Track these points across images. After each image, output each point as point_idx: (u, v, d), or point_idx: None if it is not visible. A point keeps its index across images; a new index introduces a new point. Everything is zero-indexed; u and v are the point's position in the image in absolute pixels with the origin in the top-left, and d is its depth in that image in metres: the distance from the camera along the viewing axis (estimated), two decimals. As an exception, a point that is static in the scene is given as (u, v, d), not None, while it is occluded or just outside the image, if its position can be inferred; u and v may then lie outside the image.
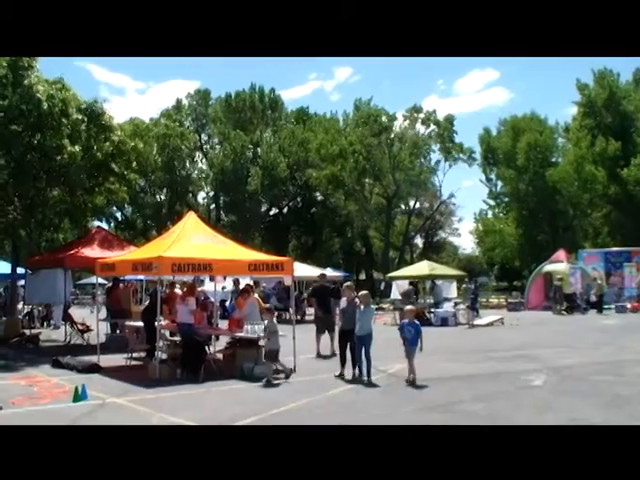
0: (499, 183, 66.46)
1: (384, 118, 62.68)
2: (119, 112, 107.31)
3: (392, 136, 63.19)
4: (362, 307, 14.09)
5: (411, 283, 32.84)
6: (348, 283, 16.48)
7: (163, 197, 65.43)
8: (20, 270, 26.04)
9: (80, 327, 22.42)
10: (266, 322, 14.57)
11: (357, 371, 14.09)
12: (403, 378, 14.24)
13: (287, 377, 14.18)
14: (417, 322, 14.07)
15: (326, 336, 18.39)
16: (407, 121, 64.47)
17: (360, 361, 14.00)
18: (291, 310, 24.64)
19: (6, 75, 19.76)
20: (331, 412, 10.82)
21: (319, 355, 17.88)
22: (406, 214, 71.31)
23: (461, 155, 64.08)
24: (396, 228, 73.88)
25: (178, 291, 17.65)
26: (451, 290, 38.86)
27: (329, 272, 38.39)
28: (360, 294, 14.57)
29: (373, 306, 15.85)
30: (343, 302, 14.99)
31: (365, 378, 13.77)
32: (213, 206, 69.75)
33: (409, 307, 15.12)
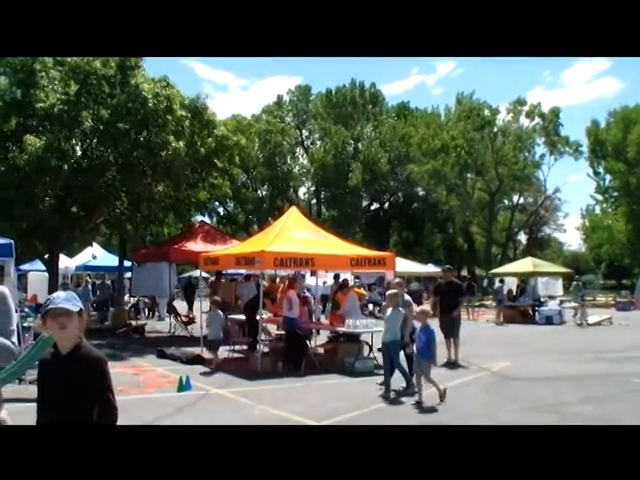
0: (607, 177, 64.12)
1: (487, 112, 61.49)
2: (222, 109, 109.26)
3: (495, 130, 61.92)
4: (389, 309, 12.19)
5: (501, 280, 32.18)
6: (397, 280, 14.14)
7: (264, 192, 66.11)
8: (127, 263, 26.83)
9: (184, 319, 22.90)
10: (210, 313, 15.74)
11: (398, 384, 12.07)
12: (507, 376, 13.90)
13: (213, 370, 14.36)
14: (431, 327, 11.48)
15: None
16: (511, 114, 62.97)
17: (391, 373, 11.97)
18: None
19: (115, 75, 20.33)
20: (431, 409, 10.64)
21: (449, 363, 15.40)
22: (509, 209, 69.75)
23: (567, 148, 62.10)
24: (499, 224, 72.40)
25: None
26: (556, 288, 37.84)
27: (431, 268, 38.00)
28: (387, 293, 12.81)
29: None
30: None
31: (392, 394, 11.73)
32: (314, 201, 70.02)
33: (421, 308, 12.27)
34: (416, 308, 12.14)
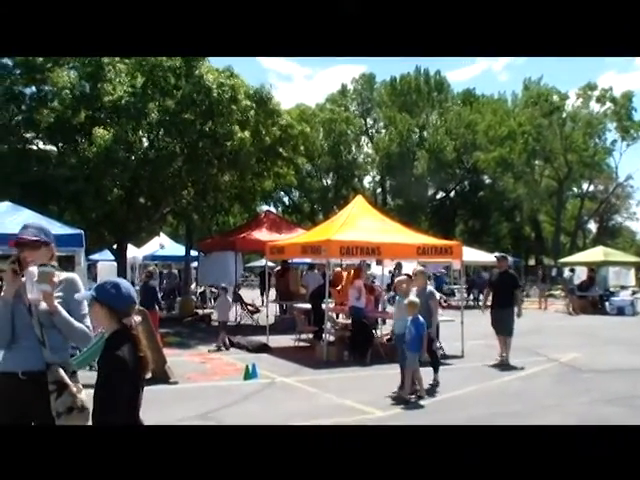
0: (683, 163, 62.06)
1: (555, 97, 60.10)
2: (286, 98, 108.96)
3: (564, 116, 60.51)
4: (401, 297, 11.36)
5: (572, 270, 31.46)
6: (420, 268, 13.08)
7: (329, 181, 66.13)
8: (193, 252, 27.14)
9: (250, 308, 23.04)
10: (219, 298, 17.54)
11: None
12: (577, 367, 13.59)
13: (227, 349, 16.02)
14: (421, 319, 10.61)
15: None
16: (580, 99, 61.45)
17: (403, 372, 10.97)
18: (458, 295, 24.25)
19: (180, 67, 20.51)
20: (498, 400, 10.49)
21: (502, 364, 13.98)
22: (579, 197, 68.17)
23: (640, 134, 60.38)
24: (568, 212, 70.88)
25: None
26: (629, 278, 36.83)
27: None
28: (397, 280, 12.19)
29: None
30: (413, 292, 11.84)
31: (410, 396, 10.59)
32: (379, 190, 69.69)
33: (409, 299, 10.92)
34: (408, 300, 10.88)
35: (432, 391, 11.06)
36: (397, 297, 11.78)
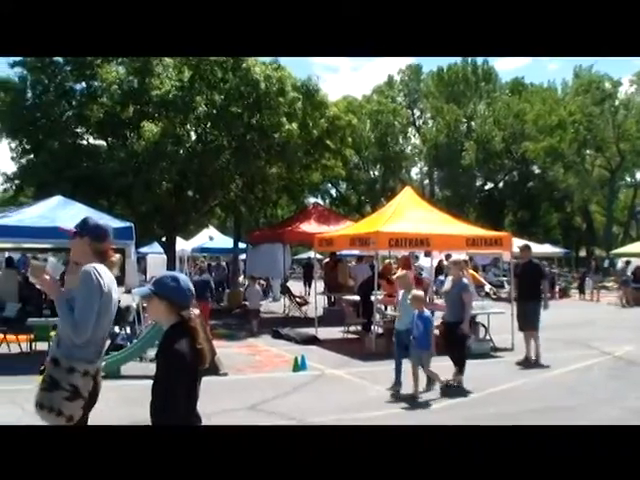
0: None
1: (607, 84, 58.90)
2: (333, 90, 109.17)
3: (617, 103, 59.33)
4: (401, 293, 11.04)
5: (627, 262, 30.75)
6: (455, 258, 12.48)
7: (377, 173, 65.92)
8: (241, 245, 27.29)
9: (298, 300, 23.07)
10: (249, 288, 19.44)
11: (399, 385, 10.54)
12: (632, 361, 13.33)
13: (254, 335, 17.21)
14: (428, 314, 10.19)
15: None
16: (634, 86, 60.12)
17: (398, 368, 10.63)
18: (507, 287, 23.99)
19: (226, 60, 20.57)
20: (549, 394, 10.36)
21: (527, 360, 13.22)
22: (632, 187, 66.86)
23: (697, 120, 58.80)
24: (620, 202, 69.58)
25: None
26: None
27: (547, 248, 36.87)
28: (396, 276, 11.96)
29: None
30: (448, 283, 11.58)
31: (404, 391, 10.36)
32: (427, 181, 69.28)
33: (414, 293, 10.43)
34: (414, 293, 10.47)
35: (478, 386, 10.92)
36: (401, 293, 11.12)
